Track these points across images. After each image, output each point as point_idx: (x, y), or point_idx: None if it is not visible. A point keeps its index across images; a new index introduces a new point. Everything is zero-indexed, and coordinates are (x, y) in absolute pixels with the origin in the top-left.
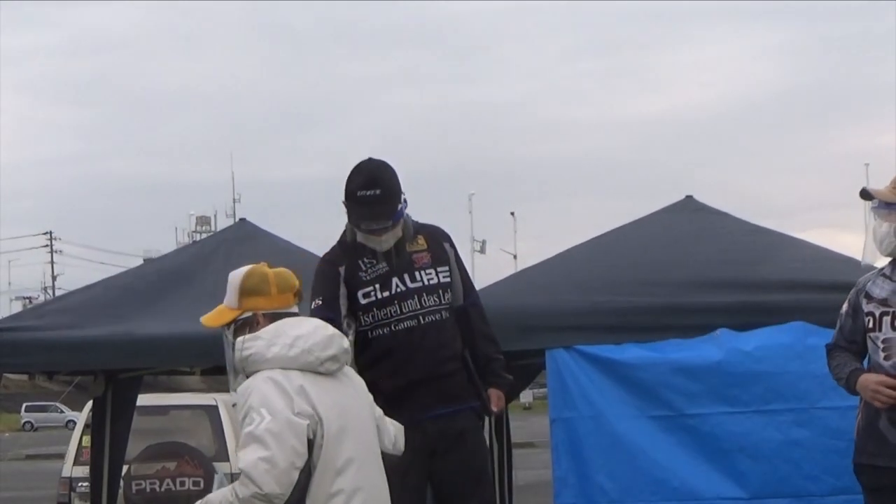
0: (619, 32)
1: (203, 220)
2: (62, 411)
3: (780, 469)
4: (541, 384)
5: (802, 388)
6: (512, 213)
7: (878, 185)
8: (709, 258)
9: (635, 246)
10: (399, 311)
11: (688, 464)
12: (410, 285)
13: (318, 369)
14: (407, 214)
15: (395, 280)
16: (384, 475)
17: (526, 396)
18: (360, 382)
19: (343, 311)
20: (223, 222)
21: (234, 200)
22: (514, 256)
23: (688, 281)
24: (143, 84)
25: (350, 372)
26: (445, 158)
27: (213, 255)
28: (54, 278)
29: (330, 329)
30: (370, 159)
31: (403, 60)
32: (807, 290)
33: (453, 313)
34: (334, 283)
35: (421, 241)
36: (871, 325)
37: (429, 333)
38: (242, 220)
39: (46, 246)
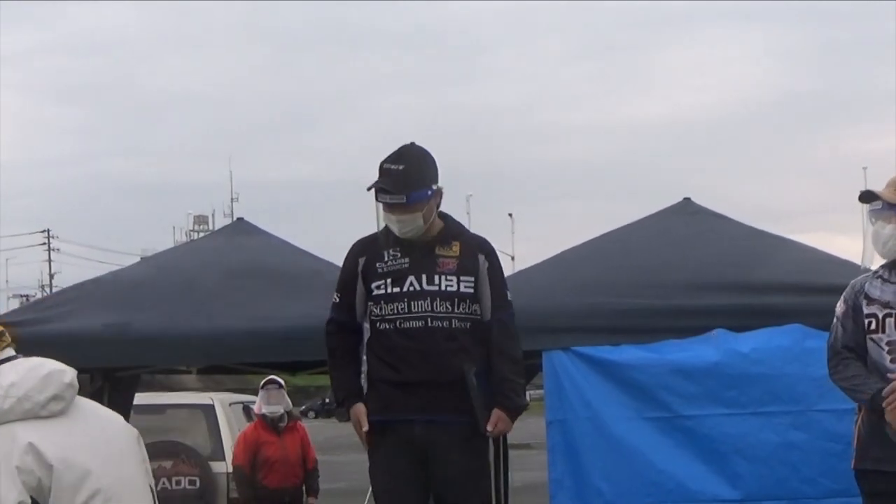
0: (616, 35)
1: (201, 220)
2: None
3: (776, 471)
4: (538, 385)
5: (800, 391)
6: (510, 215)
7: (876, 188)
8: (707, 260)
9: (633, 248)
10: (407, 310)
11: (684, 465)
12: (426, 287)
13: (41, 414)
14: (448, 216)
15: (410, 278)
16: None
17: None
18: (104, 413)
19: (360, 309)
20: (221, 222)
21: (232, 200)
22: (512, 258)
23: (686, 283)
24: (140, 84)
25: (87, 404)
26: (443, 159)
27: (210, 253)
28: (52, 276)
29: (46, 367)
30: (412, 143)
31: (402, 62)
32: (805, 292)
33: (477, 327)
34: (352, 279)
35: (455, 248)
36: (873, 326)
37: (434, 338)
38: (240, 219)
39: (44, 244)
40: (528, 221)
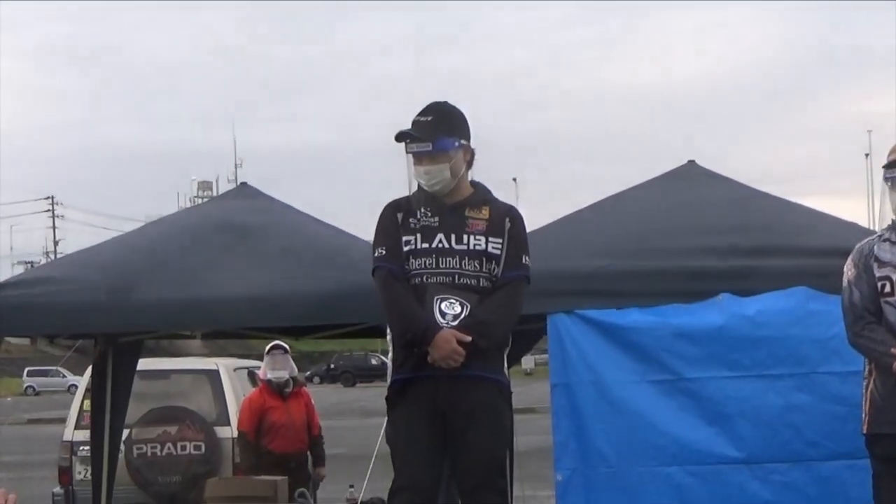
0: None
1: (205, 185)
2: (64, 375)
3: (780, 433)
4: (542, 350)
5: (804, 353)
6: (514, 179)
7: (881, 151)
8: (711, 223)
9: (637, 211)
10: (434, 265)
11: (688, 428)
12: (455, 245)
13: None
14: (480, 184)
15: (440, 235)
16: None
17: (527, 362)
18: None
19: (404, 259)
20: (225, 188)
21: (236, 165)
22: None
23: (690, 246)
24: (144, 51)
25: None
26: None
27: (214, 218)
28: (56, 243)
29: None
30: (444, 101)
31: (404, 26)
32: (810, 255)
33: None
34: (395, 230)
35: (485, 212)
36: (887, 289)
37: (462, 295)
38: (244, 183)
39: (48, 211)
40: (533, 186)
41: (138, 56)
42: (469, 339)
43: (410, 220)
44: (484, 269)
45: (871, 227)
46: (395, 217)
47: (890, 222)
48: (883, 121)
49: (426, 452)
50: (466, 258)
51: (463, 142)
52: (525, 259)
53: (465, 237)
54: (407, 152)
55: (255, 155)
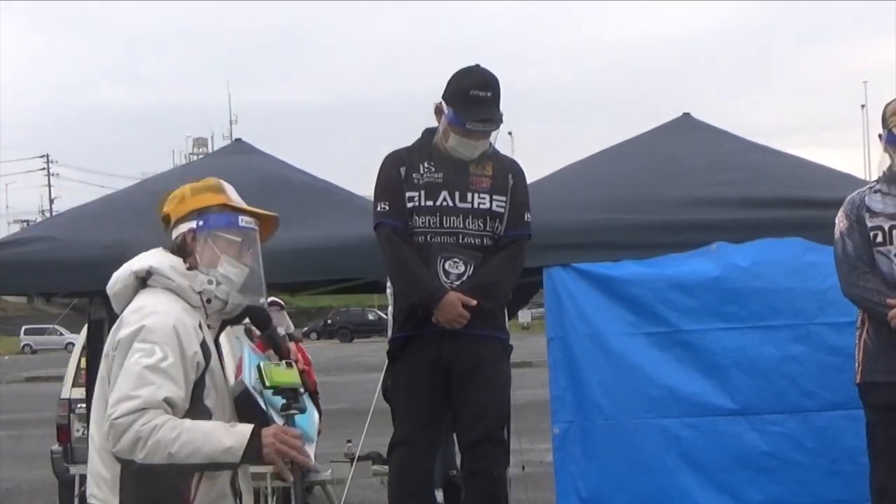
0: None
1: (200, 142)
2: (61, 333)
3: (776, 384)
4: (538, 304)
5: (799, 305)
6: (510, 133)
7: (878, 103)
8: (706, 175)
9: (633, 163)
10: (438, 224)
11: (684, 380)
12: (459, 204)
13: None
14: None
15: (444, 193)
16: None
17: (524, 316)
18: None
19: (407, 214)
20: (220, 144)
21: (231, 122)
22: None
23: (686, 198)
24: (138, 10)
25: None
26: (441, 81)
27: (209, 174)
28: (51, 201)
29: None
30: (479, 65)
31: None
32: (805, 206)
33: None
34: (398, 184)
35: (489, 168)
36: (879, 238)
37: (465, 254)
38: (238, 139)
39: (43, 169)
40: (528, 141)
41: (131, 16)
42: (475, 303)
43: (413, 174)
44: (487, 228)
45: (868, 179)
46: (398, 171)
47: (879, 175)
48: (881, 71)
49: (426, 408)
50: (471, 217)
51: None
52: (527, 216)
53: (470, 195)
54: (468, 129)
55: (251, 112)
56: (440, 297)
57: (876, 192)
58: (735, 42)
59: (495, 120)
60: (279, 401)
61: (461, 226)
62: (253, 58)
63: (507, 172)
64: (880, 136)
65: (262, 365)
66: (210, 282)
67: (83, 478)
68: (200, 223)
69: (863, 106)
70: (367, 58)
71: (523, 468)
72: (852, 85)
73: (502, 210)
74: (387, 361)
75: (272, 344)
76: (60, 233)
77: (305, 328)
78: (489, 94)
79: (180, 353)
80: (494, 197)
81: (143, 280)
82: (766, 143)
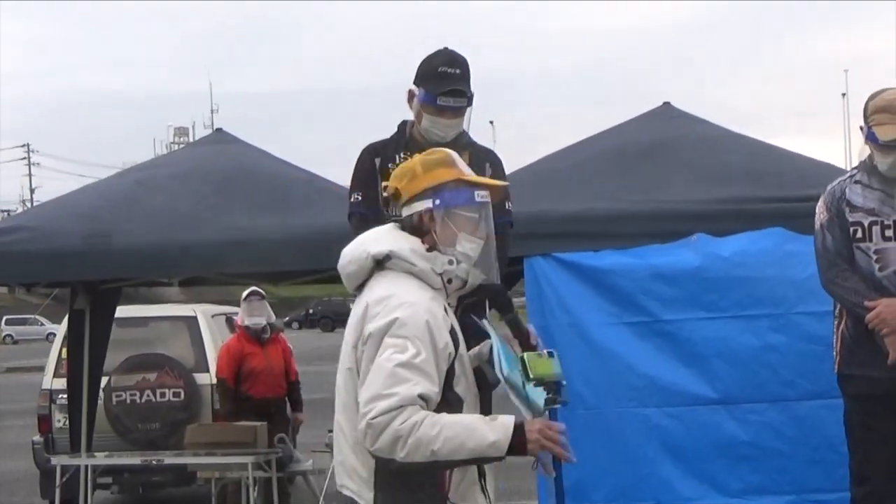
0: None
1: (181, 132)
2: (42, 324)
3: (756, 374)
4: (519, 293)
5: (780, 294)
6: (491, 122)
7: (858, 92)
8: (686, 165)
9: (612, 153)
10: None
11: (665, 369)
12: None
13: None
14: (463, 131)
15: None
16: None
17: None
18: (359, 307)
19: (381, 204)
20: (201, 133)
21: (212, 111)
22: None
23: (666, 187)
24: None
25: (364, 294)
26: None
27: (190, 164)
28: (32, 191)
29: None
30: (447, 47)
31: None
32: (786, 196)
33: None
34: (372, 176)
35: (465, 157)
36: (859, 234)
37: None
38: (219, 129)
39: (24, 158)
40: (509, 129)
41: (111, 2)
42: None
43: (389, 165)
44: None
45: (847, 169)
46: (373, 162)
47: (858, 163)
48: (862, 59)
49: None
50: None
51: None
52: (508, 205)
53: None
54: (441, 105)
55: (233, 100)
56: None
57: (856, 182)
58: (715, 31)
59: (465, 93)
60: (542, 394)
61: None
62: (235, 46)
63: (483, 162)
64: (861, 128)
65: (525, 357)
66: (450, 262)
67: (64, 468)
68: (437, 202)
69: (843, 94)
70: (353, 43)
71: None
72: (833, 73)
73: None
74: None
75: (515, 329)
76: (42, 222)
77: (287, 318)
78: (458, 71)
79: (432, 348)
80: None
81: (381, 262)
82: (746, 132)
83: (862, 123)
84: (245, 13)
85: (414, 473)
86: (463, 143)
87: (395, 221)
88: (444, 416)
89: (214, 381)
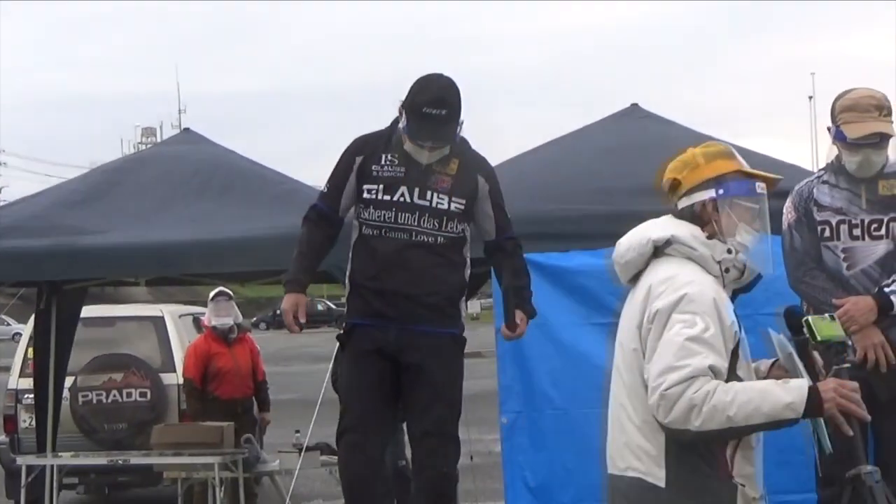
0: None
1: (149, 132)
2: (8, 324)
3: None
4: (487, 294)
5: (747, 295)
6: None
7: (825, 94)
8: (654, 165)
9: (582, 154)
10: (393, 220)
11: None
12: (417, 200)
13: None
14: (462, 138)
15: (403, 189)
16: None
17: (473, 307)
18: (640, 291)
19: (346, 203)
20: (169, 133)
21: (180, 111)
22: None
23: (635, 188)
24: None
25: (645, 278)
26: (387, 69)
27: (157, 164)
28: None
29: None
30: (440, 75)
31: None
32: None
33: (459, 241)
34: (345, 174)
35: (453, 166)
36: (827, 234)
37: (416, 253)
38: (187, 129)
39: None
40: (473, 130)
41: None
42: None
43: (374, 166)
44: (443, 228)
45: (814, 170)
46: (353, 160)
47: (826, 164)
48: (827, 64)
49: (374, 393)
50: (427, 215)
51: (462, 120)
52: (508, 213)
53: (429, 193)
54: (414, 142)
55: (200, 100)
56: (289, 289)
57: (824, 182)
58: (683, 31)
59: (447, 139)
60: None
61: (415, 223)
62: (202, 45)
63: (474, 174)
64: (829, 129)
65: (810, 319)
66: (729, 251)
67: (30, 468)
68: (720, 191)
69: (810, 97)
70: (319, 43)
71: (472, 458)
72: (800, 76)
73: (461, 210)
74: (335, 350)
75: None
76: (8, 222)
77: (254, 318)
78: (443, 112)
79: (720, 324)
80: (454, 199)
81: (659, 249)
82: (714, 133)
83: (829, 124)
84: (212, 14)
85: (696, 448)
86: (454, 151)
87: (370, 226)
88: (736, 384)
89: (181, 381)
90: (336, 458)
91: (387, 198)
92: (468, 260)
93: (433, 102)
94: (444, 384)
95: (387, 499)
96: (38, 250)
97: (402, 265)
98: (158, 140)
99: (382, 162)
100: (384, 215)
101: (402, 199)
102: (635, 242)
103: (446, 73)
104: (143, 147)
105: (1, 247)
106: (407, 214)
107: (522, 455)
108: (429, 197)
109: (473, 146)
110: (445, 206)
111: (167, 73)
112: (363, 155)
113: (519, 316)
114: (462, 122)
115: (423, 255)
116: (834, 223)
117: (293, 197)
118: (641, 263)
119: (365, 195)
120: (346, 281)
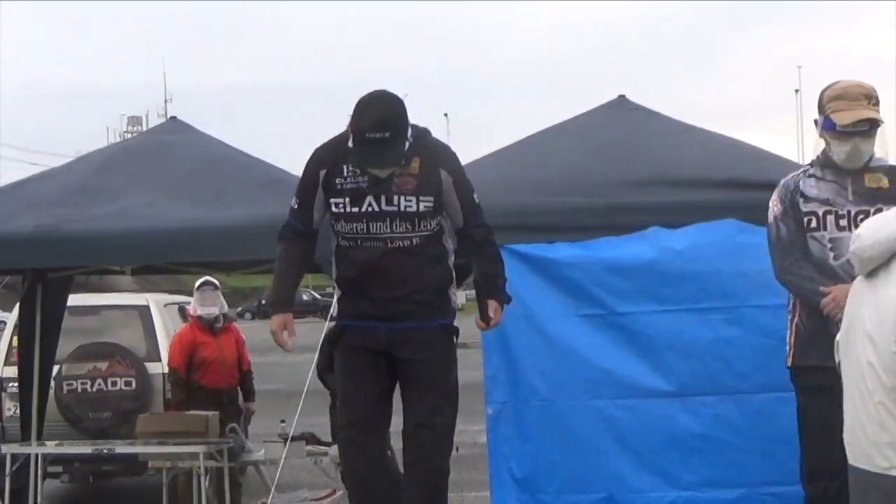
0: None
1: (135, 121)
2: None
3: (710, 366)
4: (472, 285)
5: (733, 287)
6: (445, 115)
7: (811, 88)
8: (641, 157)
9: (568, 146)
10: (366, 230)
11: (619, 361)
12: (385, 207)
13: None
14: (413, 126)
15: (369, 199)
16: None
17: (459, 297)
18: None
19: (318, 216)
20: (155, 122)
21: (166, 100)
22: None
23: (621, 181)
24: None
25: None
26: (378, 61)
27: (143, 152)
28: None
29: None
30: (381, 94)
31: None
32: (739, 188)
33: (436, 236)
34: (312, 188)
35: (415, 165)
36: (813, 224)
37: (394, 258)
38: (173, 118)
39: None
40: (463, 121)
41: None
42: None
43: (336, 179)
44: (417, 229)
45: (801, 163)
46: (318, 174)
47: (812, 159)
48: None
49: (370, 388)
50: (398, 220)
51: (410, 131)
52: (477, 198)
53: (396, 198)
54: (361, 168)
55: (186, 91)
56: (275, 311)
57: (810, 176)
58: (670, 25)
59: (395, 161)
60: None
61: (388, 231)
62: (189, 38)
63: (436, 168)
64: (816, 121)
65: None
66: None
67: (14, 457)
68: None
69: (797, 91)
70: (310, 40)
71: (457, 449)
72: (787, 69)
73: (430, 208)
74: (320, 342)
75: None
76: None
77: (240, 308)
78: (387, 135)
79: None
80: (421, 198)
81: None
82: (701, 126)
83: (816, 117)
84: (201, 6)
85: None
86: (413, 149)
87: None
88: None
89: (166, 370)
90: (321, 447)
91: (355, 210)
92: (449, 247)
93: (375, 127)
94: (436, 378)
95: (391, 491)
96: (22, 238)
97: (382, 273)
98: (144, 129)
99: (345, 174)
100: (356, 227)
101: (370, 209)
102: (883, 238)
103: (386, 89)
104: (130, 136)
105: None
106: (378, 223)
107: (508, 446)
108: (396, 202)
109: (469, 141)
110: (415, 208)
111: (154, 64)
112: (325, 168)
113: (492, 307)
114: (410, 130)
115: (402, 258)
116: (821, 214)
117: (279, 186)
118: (884, 259)
119: (334, 209)
120: (334, 283)
